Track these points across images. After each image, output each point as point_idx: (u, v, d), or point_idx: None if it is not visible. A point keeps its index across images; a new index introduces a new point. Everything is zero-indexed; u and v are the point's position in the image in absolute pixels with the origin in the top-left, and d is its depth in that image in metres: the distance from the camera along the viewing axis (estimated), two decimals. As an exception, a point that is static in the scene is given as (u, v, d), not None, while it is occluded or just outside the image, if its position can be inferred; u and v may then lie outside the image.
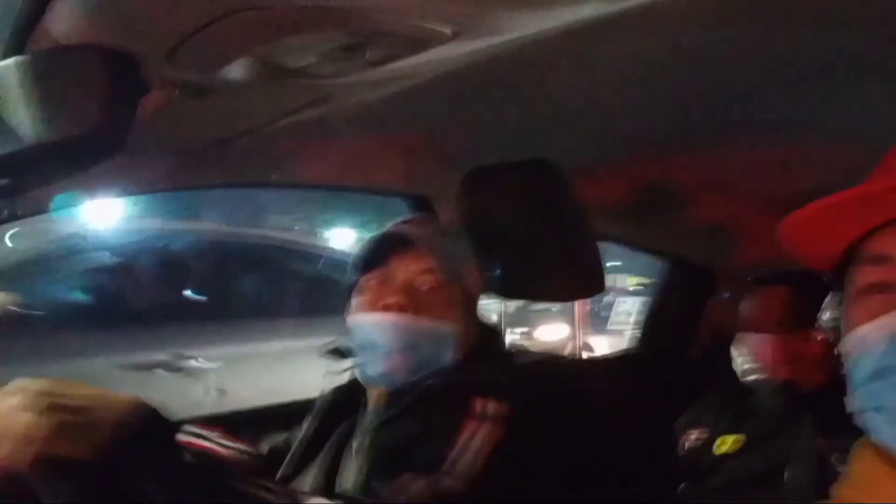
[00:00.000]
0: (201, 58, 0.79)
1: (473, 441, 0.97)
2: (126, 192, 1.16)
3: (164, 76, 0.84)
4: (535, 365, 1.26)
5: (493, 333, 1.25)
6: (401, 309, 1.09)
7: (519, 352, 1.30)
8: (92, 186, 1.04)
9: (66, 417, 0.71)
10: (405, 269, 1.12)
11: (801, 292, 1.59)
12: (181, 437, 0.76)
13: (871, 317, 0.57)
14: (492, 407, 1.01)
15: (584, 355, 5.43)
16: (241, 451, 0.79)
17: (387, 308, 1.10)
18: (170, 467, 0.76)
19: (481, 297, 1.23)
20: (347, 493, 1.09)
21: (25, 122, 0.74)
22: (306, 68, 0.84)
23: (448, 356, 1.11)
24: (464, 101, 1.09)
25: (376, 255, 1.14)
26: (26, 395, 0.72)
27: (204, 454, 0.77)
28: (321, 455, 1.19)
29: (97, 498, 0.73)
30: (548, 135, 1.28)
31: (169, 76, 0.84)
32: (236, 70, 0.83)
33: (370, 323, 1.11)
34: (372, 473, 1.05)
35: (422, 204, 1.58)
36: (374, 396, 1.16)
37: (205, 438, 0.78)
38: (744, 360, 1.64)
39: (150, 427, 0.76)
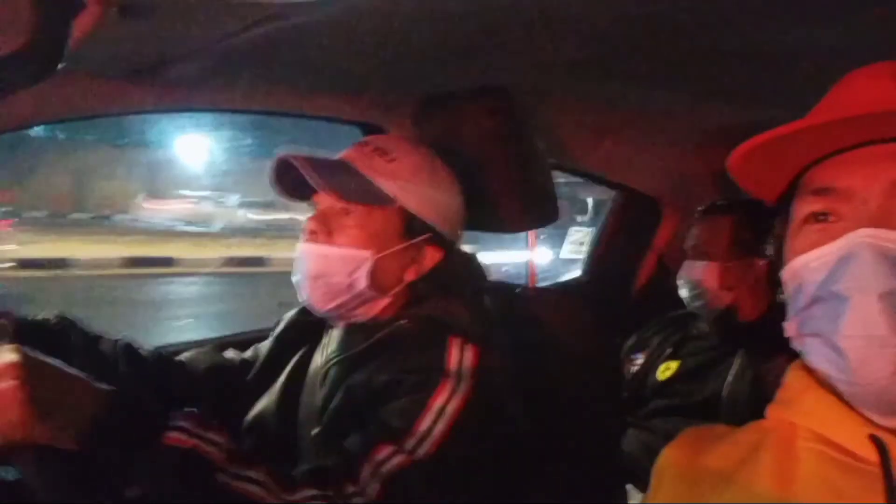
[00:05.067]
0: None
1: (447, 408, 0.96)
2: (57, 117, 1.10)
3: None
4: (497, 297, 1.26)
5: (459, 259, 1.21)
6: (313, 236, 1.10)
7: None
8: (21, 111, 0.98)
9: (47, 405, 0.69)
10: (326, 196, 1.11)
11: (745, 221, 1.63)
12: (168, 435, 0.76)
13: (812, 246, 0.59)
14: (465, 361, 1.01)
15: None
16: (230, 449, 0.80)
17: (306, 236, 1.11)
18: (154, 467, 0.75)
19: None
20: (312, 414, 1.10)
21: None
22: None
23: (362, 282, 1.09)
24: (413, 25, 1.05)
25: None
26: (5, 367, 0.69)
27: (190, 453, 0.77)
28: (284, 372, 1.20)
29: (80, 485, 0.71)
30: (500, 60, 1.25)
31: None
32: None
33: (297, 251, 1.13)
34: (335, 412, 1.05)
35: (373, 131, 1.54)
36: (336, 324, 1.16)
37: (192, 435, 0.78)
38: (688, 287, 1.69)
39: (134, 421, 0.75)
